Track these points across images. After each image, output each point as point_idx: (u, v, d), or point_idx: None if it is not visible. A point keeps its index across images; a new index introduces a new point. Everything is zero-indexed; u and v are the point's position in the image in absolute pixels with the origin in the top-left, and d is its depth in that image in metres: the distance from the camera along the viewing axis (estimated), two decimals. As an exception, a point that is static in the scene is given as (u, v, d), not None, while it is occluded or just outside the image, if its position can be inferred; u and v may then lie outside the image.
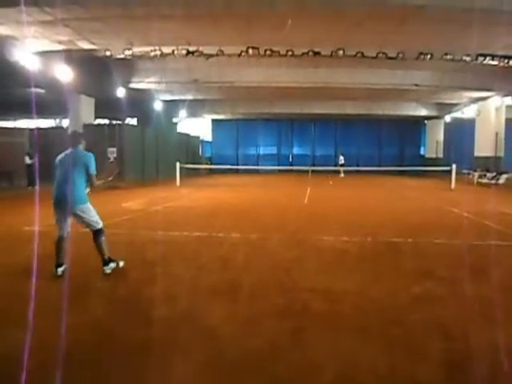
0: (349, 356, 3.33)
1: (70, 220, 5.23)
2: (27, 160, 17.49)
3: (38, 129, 22.68)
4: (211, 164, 32.07)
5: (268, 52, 15.70)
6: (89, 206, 5.20)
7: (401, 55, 15.74)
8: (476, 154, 24.81)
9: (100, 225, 5.29)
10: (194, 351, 3.39)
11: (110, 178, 5.94)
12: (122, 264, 5.50)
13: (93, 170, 5.19)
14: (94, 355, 3.34)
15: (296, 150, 36.07)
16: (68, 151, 5.27)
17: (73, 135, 5.55)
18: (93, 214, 5.24)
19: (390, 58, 15.97)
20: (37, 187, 15.42)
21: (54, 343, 3.34)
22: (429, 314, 4.22)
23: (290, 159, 35.40)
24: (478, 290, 4.87)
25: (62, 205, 5.02)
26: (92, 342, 3.57)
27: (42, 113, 25.88)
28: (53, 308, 4.15)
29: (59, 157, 5.27)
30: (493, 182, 20.81)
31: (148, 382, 2.95)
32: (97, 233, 5.26)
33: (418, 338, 3.66)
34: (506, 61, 15.64)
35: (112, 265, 5.37)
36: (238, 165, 32.64)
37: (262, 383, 2.95)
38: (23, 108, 18.94)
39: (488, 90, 21.72)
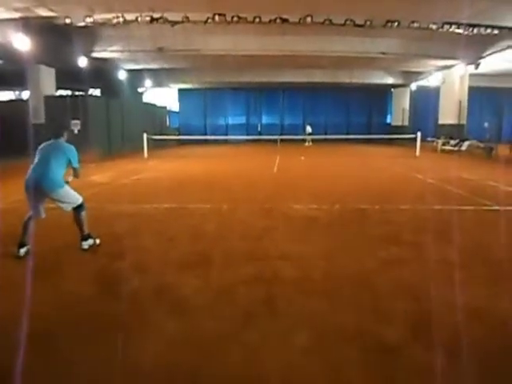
0: (319, 320, 3.46)
1: (44, 204, 5.12)
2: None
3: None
4: (179, 135, 31.58)
5: (235, 19, 15.34)
6: (66, 188, 5.10)
7: (368, 23, 15.70)
8: (440, 121, 25.36)
9: (80, 200, 5.24)
10: (168, 323, 3.44)
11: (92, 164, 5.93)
12: (98, 241, 5.46)
13: (76, 163, 5.20)
14: (67, 330, 3.35)
15: (265, 120, 35.82)
16: (50, 141, 5.20)
17: (56, 127, 5.45)
18: (71, 195, 5.17)
19: (358, 26, 15.90)
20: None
21: (24, 319, 3.33)
22: (395, 277, 4.40)
23: (259, 129, 35.18)
24: (441, 253, 5.10)
25: (37, 189, 4.90)
26: (65, 317, 3.57)
27: (1, 85, 24.67)
28: (25, 285, 4.10)
29: (41, 145, 5.18)
30: (455, 149, 21.40)
31: (123, 355, 2.97)
32: (77, 208, 5.22)
33: (386, 301, 3.82)
34: (470, 29, 15.86)
35: (90, 241, 5.36)
36: (206, 135, 32.30)
37: (236, 352, 3.03)
38: (-21, 80, 18.09)
39: (453, 58, 22.04)
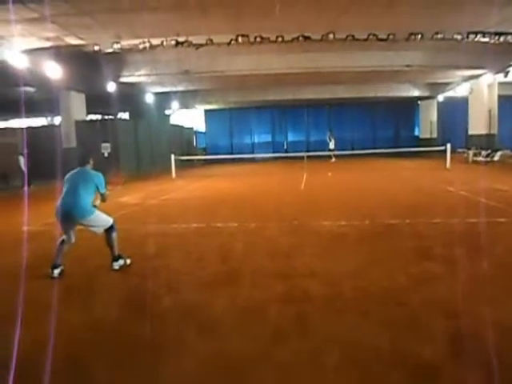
0: (352, 338, 3.37)
1: (74, 230, 5.26)
2: (21, 161, 17.22)
3: (30, 128, 22.43)
4: (206, 154, 31.96)
5: (258, 39, 15.57)
6: (96, 213, 5.21)
7: (391, 36, 15.65)
8: (470, 132, 24.83)
9: (111, 222, 5.33)
10: (198, 343, 3.42)
11: (119, 187, 6.09)
12: (128, 261, 5.53)
13: (103, 188, 5.33)
14: (97, 351, 3.38)
15: (290, 137, 35.90)
16: (77, 170, 5.35)
17: (82, 155, 5.60)
18: (102, 219, 5.28)
19: (381, 40, 15.86)
20: (27, 188, 15.43)
21: (57, 342, 3.38)
22: (429, 293, 4.26)
23: (285, 146, 35.28)
24: (476, 268, 4.92)
25: (67, 218, 5.07)
26: (96, 337, 3.60)
27: (34, 111, 25.62)
28: (57, 306, 4.17)
29: (68, 174, 5.33)
30: (487, 159, 20.86)
31: (152, 376, 2.97)
32: (108, 230, 5.32)
33: (420, 317, 3.70)
34: (497, 37, 15.56)
35: (121, 261, 5.42)
36: (232, 154, 32.57)
37: (268, 371, 2.98)
38: (14, 108, 18.77)
39: (480, 67, 21.66)
